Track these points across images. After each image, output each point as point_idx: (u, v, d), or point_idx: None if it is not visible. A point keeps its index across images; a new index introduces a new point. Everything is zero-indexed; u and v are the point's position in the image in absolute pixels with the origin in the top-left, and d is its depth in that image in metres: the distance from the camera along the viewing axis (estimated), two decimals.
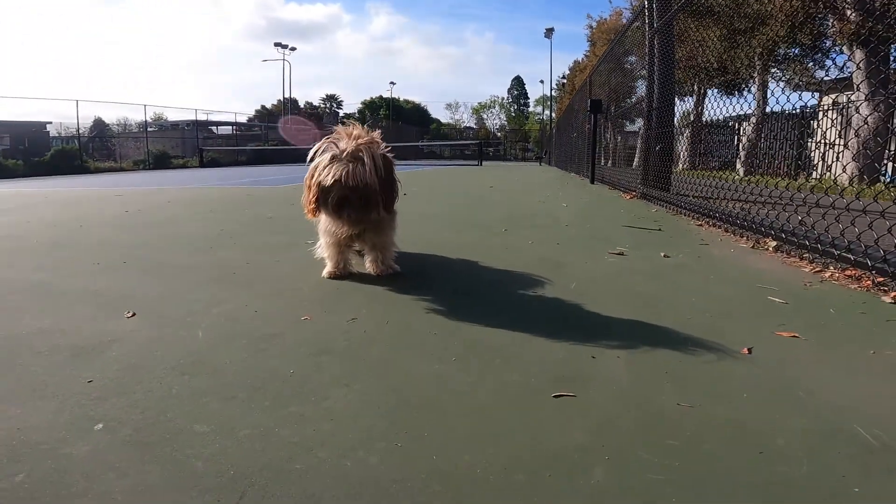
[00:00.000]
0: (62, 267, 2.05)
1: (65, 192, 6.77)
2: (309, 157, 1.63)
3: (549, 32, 31.41)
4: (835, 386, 0.99)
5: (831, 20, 9.32)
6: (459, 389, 0.98)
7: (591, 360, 1.10)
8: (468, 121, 40.74)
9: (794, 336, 1.27)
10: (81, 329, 1.31)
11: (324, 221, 1.73)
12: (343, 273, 1.85)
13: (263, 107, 38.89)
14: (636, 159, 8.08)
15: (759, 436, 0.81)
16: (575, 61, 27.23)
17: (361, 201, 1.57)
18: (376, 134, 1.67)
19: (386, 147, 1.69)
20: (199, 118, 25.99)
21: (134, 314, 1.44)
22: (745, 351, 1.17)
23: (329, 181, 1.54)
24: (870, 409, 0.89)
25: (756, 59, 11.03)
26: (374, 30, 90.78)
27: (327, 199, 1.57)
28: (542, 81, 62.00)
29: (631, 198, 5.11)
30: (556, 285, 1.74)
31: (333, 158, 1.55)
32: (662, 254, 2.28)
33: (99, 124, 25.79)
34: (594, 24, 20.46)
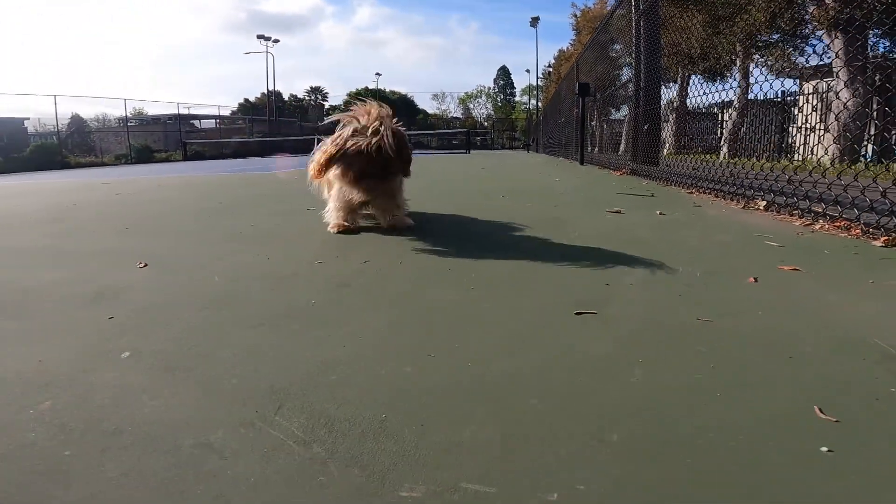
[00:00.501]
0: (66, 235, 2.03)
1: (51, 183, 6.64)
2: (327, 122, 1.80)
3: (535, 21, 31.51)
4: (843, 307, 1.02)
5: (811, 7, 9.44)
6: (482, 313, 1.00)
7: (605, 287, 1.13)
8: (455, 111, 40.64)
9: (795, 269, 1.31)
10: (96, 278, 1.31)
11: (336, 189, 1.83)
12: (350, 227, 1.89)
13: (247, 100, 38.26)
14: (622, 145, 8.16)
15: (783, 345, 0.83)
16: (560, 50, 27.24)
17: (381, 170, 1.70)
18: (390, 110, 1.78)
19: (398, 122, 1.79)
20: (181, 112, 25.57)
21: (146, 265, 1.44)
22: (752, 280, 1.20)
23: (353, 151, 1.64)
24: (881, 326, 0.91)
25: (738, 45, 11.13)
26: (359, 21, 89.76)
27: (349, 168, 1.68)
28: (528, 71, 61.96)
29: (621, 174, 5.16)
30: (560, 234, 1.78)
31: (356, 132, 1.67)
32: (658, 212, 2.32)
33: (77, 120, 25.23)
34: (579, 13, 20.49)
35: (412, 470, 0.54)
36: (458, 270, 1.30)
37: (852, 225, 1.91)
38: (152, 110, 31.21)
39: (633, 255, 1.46)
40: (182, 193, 4.03)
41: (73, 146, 20.93)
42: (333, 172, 1.73)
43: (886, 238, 1.68)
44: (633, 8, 5.55)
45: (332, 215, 1.91)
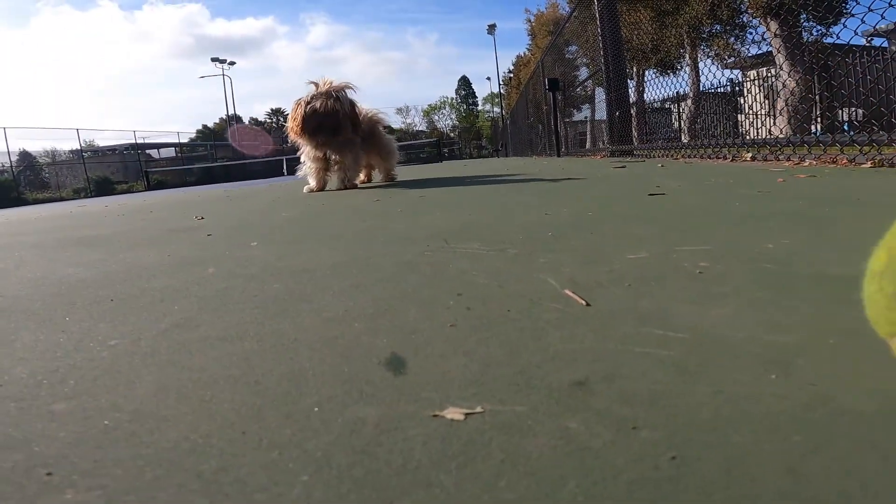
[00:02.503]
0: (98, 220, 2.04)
1: (23, 213, 6.42)
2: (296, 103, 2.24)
3: (492, 29, 32.02)
4: (875, 185, 1.16)
5: None
6: (567, 203, 1.11)
7: (658, 188, 1.26)
8: (420, 124, 41.02)
9: (812, 176, 1.47)
10: (166, 223, 1.36)
11: (302, 146, 2.32)
12: (322, 188, 2.36)
13: (205, 126, 37.59)
14: (588, 142, 8.49)
15: (851, 193, 0.97)
16: (518, 56, 28.02)
17: (332, 128, 2.17)
18: (346, 81, 2.28)
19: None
20: (137, 141, 25.00)
21: (203, 217, 1.50)
22: (780, 180, 1.35)
23: (308, 111, 2.14)
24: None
25: (685, 36, 11.74)
26: (313, 40, 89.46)
27: (306, 125, 2.16)
28: (488, 78, 63.31)
29: (602, 157, 5.40)
30: (583, 178, 1.91)
31: (312, 97, 2.18)
32: (660, 165, 2.50)
33: (25, 156, 24.30)
34: (532, 18, 21.17)
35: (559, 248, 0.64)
36: (534, 188, 1.41)
37: (837, 159, 2.11)
38: (107, 140, 30.34)
39: (662, 177, 1.60)
40: (174, 202, 4.00)
41: (26, 182, 20.15)
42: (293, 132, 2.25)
43: (873, 161, 1.88)
44: (595, 2, 5.88)
45: (306, 170, 2.41)
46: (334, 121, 2.14)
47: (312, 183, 2.36)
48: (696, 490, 0.20)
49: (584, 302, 0.41)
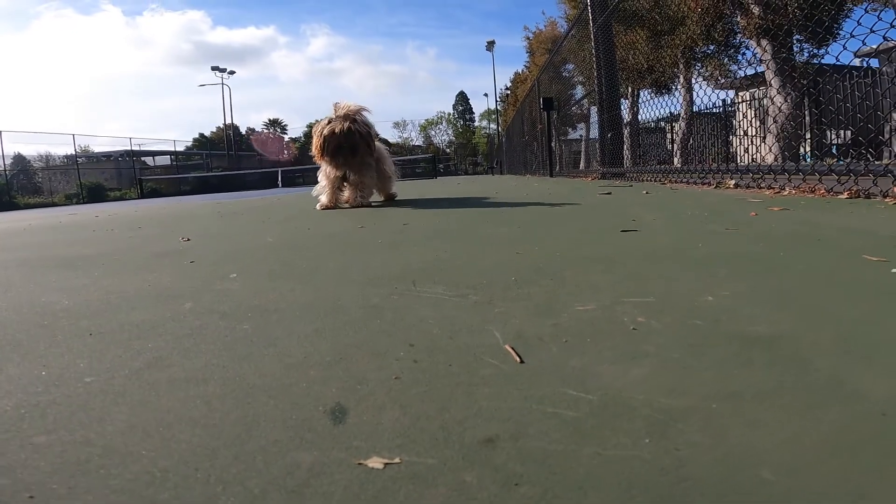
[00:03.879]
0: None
1: (13, 221, 6.42)
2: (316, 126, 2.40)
3: (491, 45, 32.49)
4: (841, 221, 1.23)
5: (738, 16, 10.35)
6: (541, 237, 1.16)
7: (634, 222, 1.31)
8: (416, 139, 41.28)
9: (785, 209, 1.53)
10: (151, 244, 1.40)
11: (323, 166, 2.45)
12: (333, 205, 2.49)
13: (202, 135, 37.64)
14: (582, 163, 8.63)
15: (815, 231, 1.03)
16: (515, 73, 28.40)
17: (350, 148, 2.33)
18: (363, 105, 2.42)
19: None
20: (133, 148, 25.02)
21: (189, 239, 1.54)
22: (753, 214, 1.41)
23: (326, 133, 2.29)
24: (865, 225, 1.14)
25: (679, 57, 11.98)
26: (313, 51, 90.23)
27: (326, 146, 2.31)
28: (486, 95, 63.98)
29: (593, 179, 5.49)
30: (566, 206, 1.97)
31: (330, 120, 2.32)
32: (644, 192, 2.56)
33: (20, 160, 24.27)
34: (531, 36, 21.50)
35: (524, 294, 0.69)
36: (514, 218, 1.47)
37: (816, 188, 2.19)
38: (103, 146, 30.32)
39: (643, 208, 1.66)
40: (168, 212, 4.03)
41: (18, 186, 20.10)
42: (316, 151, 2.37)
43: (850, 192, 1.95)
44: (590, 21, 6.03)
45: (320, 190, 2.55)
46: (352, 142, 2.29)
47: (325, 200, 2.51)
48: None
49: (518, 359, 0.46)
